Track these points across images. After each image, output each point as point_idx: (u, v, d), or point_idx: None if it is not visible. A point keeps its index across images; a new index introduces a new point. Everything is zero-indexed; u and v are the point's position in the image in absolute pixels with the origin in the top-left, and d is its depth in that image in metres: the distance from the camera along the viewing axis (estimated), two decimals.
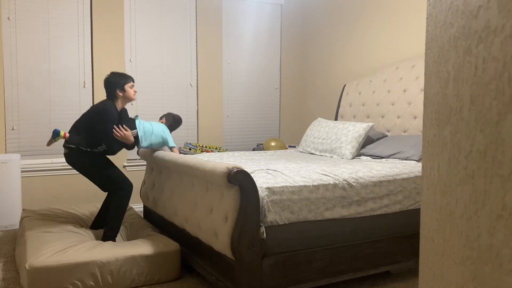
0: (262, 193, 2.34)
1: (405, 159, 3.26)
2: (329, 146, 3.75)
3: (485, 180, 0.52)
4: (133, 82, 3.21)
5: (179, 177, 2.98)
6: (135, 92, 3.21)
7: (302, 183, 2.49)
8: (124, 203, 3.11)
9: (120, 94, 3.12)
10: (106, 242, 2.86)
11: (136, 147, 3.22)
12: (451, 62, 0.61)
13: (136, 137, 3.14)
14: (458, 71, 0.59)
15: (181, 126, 4.94)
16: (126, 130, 3.06)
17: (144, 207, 3.75)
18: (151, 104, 4.76)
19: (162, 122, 3.39)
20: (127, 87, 3.14)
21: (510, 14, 0.48)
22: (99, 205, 3.81)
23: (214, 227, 2.41)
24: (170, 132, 3.35)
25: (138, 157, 4.41)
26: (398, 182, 2.80)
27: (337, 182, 2.59)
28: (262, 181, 2.41)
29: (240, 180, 2.25)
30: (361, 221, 2.67)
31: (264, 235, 2.32)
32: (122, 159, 4.47)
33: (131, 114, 3.40)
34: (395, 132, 3.92)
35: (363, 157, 3.56)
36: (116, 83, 3.12)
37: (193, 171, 2.61)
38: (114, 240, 3.03)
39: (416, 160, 3.20)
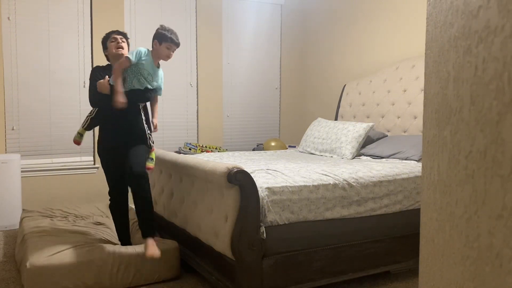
0: (262, 193, 2.34)
1: (405, 159, 3.26)
2: (329, 146, 3.75)
3: (485, 180, 0.52)
4: (119, 34, 2.91)
5: (179, 177, 2.98)
6: (118, 44, 2.88)
7: (302, 183, 2.49)
8: (112, 211, 3.01)
9: (106, 53, 3.00)
10: (106, 243, 2.87)
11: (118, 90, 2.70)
12: (451, 62, 0.61)
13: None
14: (458, 71, 0.59)
15: (181, 126, 4.95)
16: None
17: None
18: None
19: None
20: (108, 43, 2.94)
21: (510, 14, 0.48)
22: (99, 205, 3.81)
23: (214, 227, 2.41)
24: (165, 43, 2.81)
25: None
26: (398, 182, 2.80)
27: (337, 182, 2.59)
28: (262, 181, 2.41)
29: (240, 180, 2.25)
30: (361, 221, 2.66)
31: (264, 235, 2.32)
32: None
33: None
34: (395, 132, 3.92)
35: (363, 157, 3.56)
36: (103, 46, 2.99)
37: (193, 171, 2.61)
38: (153, 236, 2.66)
39: (416, 160, 3.20)
